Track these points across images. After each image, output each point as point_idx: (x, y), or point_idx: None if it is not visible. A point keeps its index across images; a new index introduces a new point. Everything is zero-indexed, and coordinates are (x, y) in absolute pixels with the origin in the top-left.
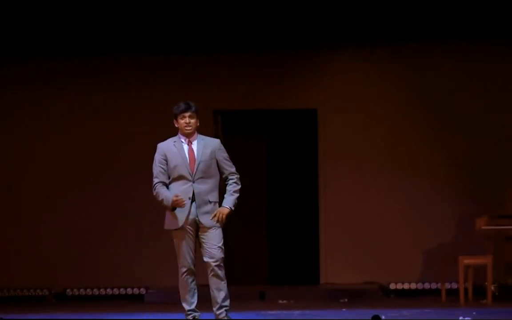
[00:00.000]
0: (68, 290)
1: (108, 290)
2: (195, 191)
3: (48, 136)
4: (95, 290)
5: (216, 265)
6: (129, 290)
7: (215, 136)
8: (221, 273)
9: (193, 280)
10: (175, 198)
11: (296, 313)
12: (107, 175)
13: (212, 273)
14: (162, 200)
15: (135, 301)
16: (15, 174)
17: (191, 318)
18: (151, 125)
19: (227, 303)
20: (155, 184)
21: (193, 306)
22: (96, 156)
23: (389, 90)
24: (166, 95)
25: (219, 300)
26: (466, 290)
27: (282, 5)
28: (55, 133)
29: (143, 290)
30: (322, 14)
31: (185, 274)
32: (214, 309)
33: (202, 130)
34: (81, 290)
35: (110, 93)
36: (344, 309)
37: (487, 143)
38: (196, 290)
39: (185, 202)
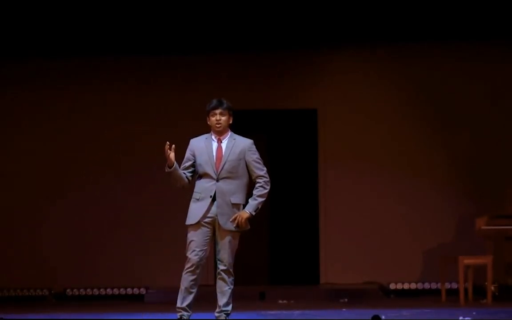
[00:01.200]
0: (68, 290)
1: (108, 290)
2: (217, 190)
3: (48, 136)
4: (95, 290)
5: (223, 270)
6: (129, 290)
7: None
8: (227, 278)
9: (192, 280)
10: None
11: (296, 313)
12: (107, 175)
13: (219, 276)
14: (166, 172)
15: (135, 301)
16: (15, 174)
17: (178, 317)
18: (151, 125)
19: (228, 308)
20: None
21: (184, 305)
22: (96, 156)
23: (389, 90)
24: (166, 95)
25: (221, 304)
26: (466, 290)
27: (282, 5)
28: (55, 133)
29: (143, 290)
30: (322, 14)
31: (187, 270)
32: (216, 311)
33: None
34: (81, 290)
35: (110, 93)
36: (344, 309)
37: (487, 143)
38: (193, 291)
39: (167, 143)
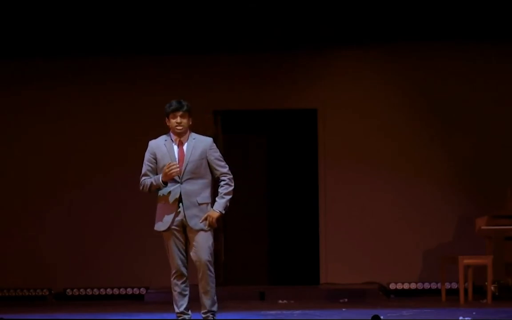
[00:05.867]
0: (68, 290)
1: (108, 290)
2: (182, 192)
3: (48, 136)
4: (95, 290)
5: (202, 269)
6: (129, 290)
7: (215, 136)
8: (208, 277)
9: (183, 282)
10: (166, 168)
11: (296, 313)
12: (107, 175)
13: (200, 276)
14: (152, 183)
15: (135, 301)
16: (15, 174)
17: None
18: (151, 125)
19: (215, 308)
20: (141, 181)
21: (181, 309)
22: (96, 156)
23: (389, 90)
24: (166, 95)
25: (207, 306)
26: (466, 290)
27: (282, 5)
28: (55, 134)
29: (143, 290)
30: (322, 15)
31: (174, 276)
32: (202, 312)
33: (202, 130)
34: (81, 290)
35: (110, 93)
36: (344, 309)
37: (487, 143)
38: (186, 293)
39: (175, 163)
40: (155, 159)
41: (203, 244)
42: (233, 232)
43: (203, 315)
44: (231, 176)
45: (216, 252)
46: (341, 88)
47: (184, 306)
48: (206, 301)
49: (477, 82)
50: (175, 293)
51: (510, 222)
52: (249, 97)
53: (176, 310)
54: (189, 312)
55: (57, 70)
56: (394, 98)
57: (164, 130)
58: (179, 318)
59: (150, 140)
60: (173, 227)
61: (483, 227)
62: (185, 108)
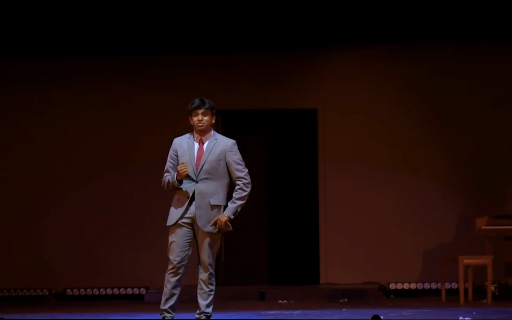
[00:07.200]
0: (68, 290)
1: (108, 290)
2: (196, 191)
3: (48, 136)
4: (95, 290)
5: (203, 271)
6: (129, 290)
7: None
8: (208, 279)
9: (176, 280)
10: (178, 167)
11: (296, 313)
12: (107, 175)
13: (200, 277)
14: (169, 181)
15: (135, 301)
16: (15, 173)
17: (161, 318)
18: (151, 125)
19: (209, 310)
20: (163, 178)
21: (167, 306)
22: (96, 156)
23: (389, 90)
24: (167, 95)
25: (202, 307)
26: (466, 290)
27: (282, 5)
28: (54, 133)
29: (143, 290)
30: (322, 15)
31: (170, 271)
32: (196, 312)
33: None
34: (81, 290)
35: (111, 93)
36: (344, 309)
37: (487, 143)
38: (176, 292)
39: (184, 162)
40: (177, 156)
41: (207, 247)
42: (233, 232)
43: (197, 315)
44: (248, 181)
45: None
46: (341, 88)
47: (170, 304)
48: (202, 302)
49: (477, 82)
50: (165, 289)
51: (510, 222)
52: (249, 97)
53: (162, 306)
54: (173, 312)
55: (56, 70)
56: (394, 98)
57: (167, 129)
58: (161, 315)
59: (150, 140)
60: (180, 222)
61: (483, 227)
62: (207, 105)
